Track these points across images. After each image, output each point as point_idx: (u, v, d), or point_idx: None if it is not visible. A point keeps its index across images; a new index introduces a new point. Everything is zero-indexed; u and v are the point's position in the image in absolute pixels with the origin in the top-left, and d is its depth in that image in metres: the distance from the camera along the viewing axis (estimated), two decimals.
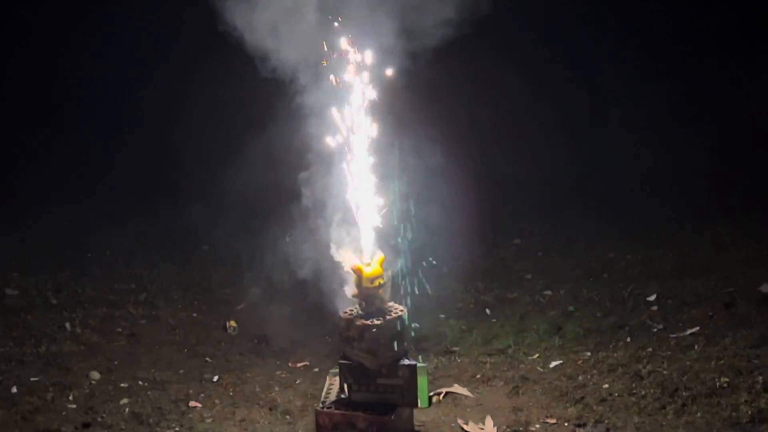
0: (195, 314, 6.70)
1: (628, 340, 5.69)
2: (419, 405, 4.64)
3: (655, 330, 5.80)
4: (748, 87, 11.26)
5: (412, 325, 5.38)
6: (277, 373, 5.71)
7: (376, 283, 4.45)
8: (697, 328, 5.68)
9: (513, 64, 11.79)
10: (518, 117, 11.83)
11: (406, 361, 4.46)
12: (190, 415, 4.99)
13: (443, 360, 5.73)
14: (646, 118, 11.78)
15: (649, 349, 5.43)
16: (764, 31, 11.37)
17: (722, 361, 5.04)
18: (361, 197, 4.66)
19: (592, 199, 9.31)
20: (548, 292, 6.75)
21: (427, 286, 6.40)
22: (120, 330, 6.29)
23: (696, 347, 5.34)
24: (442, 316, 6.44)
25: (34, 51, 12.76)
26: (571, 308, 6.36)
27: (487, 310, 6.56)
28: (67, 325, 6.30)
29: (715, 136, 10.98)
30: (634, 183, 9.69)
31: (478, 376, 5.39)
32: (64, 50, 12.52)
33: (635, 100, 12.03)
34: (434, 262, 7.11)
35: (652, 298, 6.33)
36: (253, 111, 5.41)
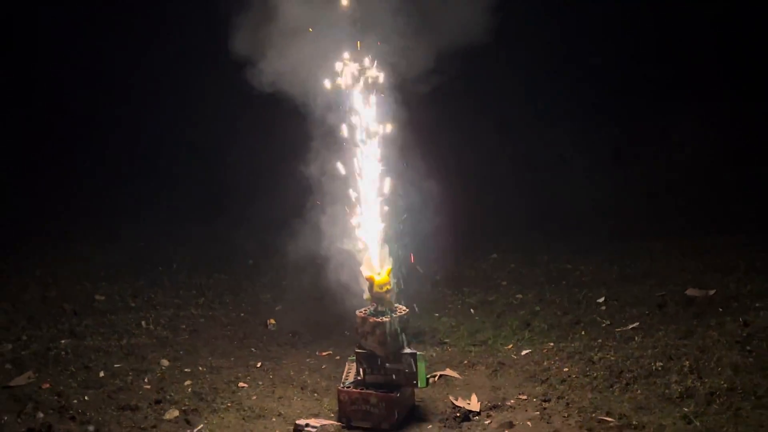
0: (242, 314, 6.64)
1: (583, 333, 5.66)
2: (419, 385, 4.59)
3: (604, 325, 5.78)
4: (670, 135, 11.30)
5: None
6: (307, 360, 5.68)
7: (385, 288, 4.48)
8: (637, 323, 5.67)
9: (490, 120, 11.86)
10: (493, 158, 11.84)
11: (408, 350, 4.48)
12: (239, 394, 4.98)
13: (437, 349, 5.68)
14: (593, 159, 11.77)
15: (599, 340, 5.41)
16: (684, 91, 11.40)
17: (657, 349, 5.02)
18: (373, 223, 4.67)
19: (552, 223, 9.28)
20: (519, 296, 6.69)
21: (425, 291, 6.45)
22: (184, 327, 6.26)
23: (636, 339, 5.33)
24: (436, 314, 6.38)
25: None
26: (537, 308, 6.32)
27: (472, 310, 6.49)
28: (143, 323, 6.28)
29: (646, 173, 11.00)
30: (585, 210, 9.62)
31: (465, 362, 5.35)
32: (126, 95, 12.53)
33: (586, 145, 12.03)
34: (433, 274, 7.18)
35: (601, 300, 6.30)
36: (289, 146, 5.36)
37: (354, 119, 4.67)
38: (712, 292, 6.04)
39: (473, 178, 11.33)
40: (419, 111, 5.44)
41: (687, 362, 4.70)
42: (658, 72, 11.55)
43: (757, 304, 5.61)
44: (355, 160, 4.69)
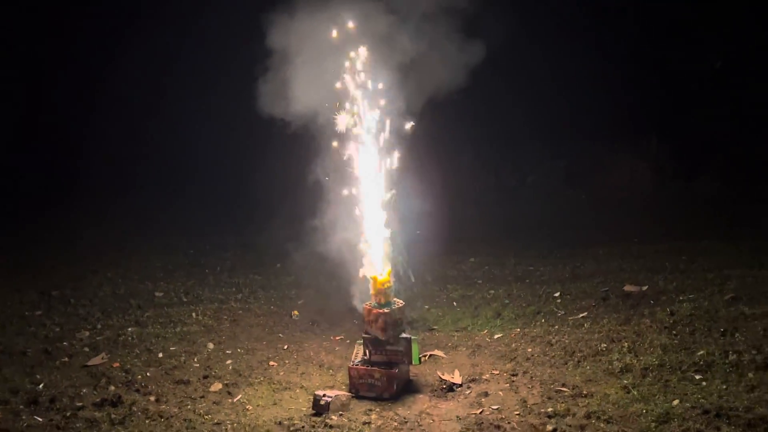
0: (272, 307, 6.52)
1: (543, 321, 5.56)
2: (413, 363, 4.52)
3: (559, 314, 5.67)
4: (612, 162, 11.31)
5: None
6: (324, 343, 5.58)
7: (386, 286, 4.41)
8: (586, 313, 5.59)
9: (468, 149, 11.87)
10: (471, 180, 11.87)
11: (405, 335, 4.40)
12: (270, 370, 4.90)
13: (427, 334, 5.60)
14: (550, 182, 11.78)
15: (556, 327, 5.32)
16: (624, 126, 11.40)
17: (602, 334, 4.96)
18: (376, 231, 4.62)
19: (518, 233, 9.19)
20: (492, 291, 6.56)
21: (417, 288, 6.38)
22: (226, 317, 6.14)
23: (585, 325, 5.25)
24: (426, 306, 6.29)
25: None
26: (506, 301, 6.20)
27: (454, 303, 6.39)
28: (193, 314, 6.17)
29: (592, 192, 11.00)
30: (544, 222, 9.59)
31: (449, 344, 5.27)
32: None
33: (544, 171, 12.03)
34: (423, 274, 7.10)
35: (557, 294, 6.19)
36: (304, 168, 5.28)
37: (361, 149, 4.60)
38: (645, 287, 5.97)
39: (455, 196, 11.31)
40: (413, 142, 5.40)
41: (626, 344, 4.65)
42: (603, 110, 11.56)
43: (680, 297, 5.56)
44: (361, 185, 4.64)
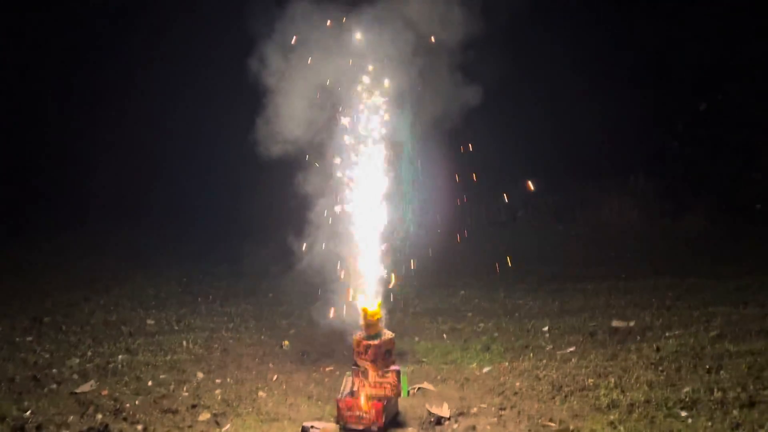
0: (263, 337, 6.45)
1: (531, 355, 5.49)
2: (402, 395, 4.46)
3: (547, 349, 5.62)
4: (601, 201, 11.43)
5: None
6: (314, 374, 5.48)
7: (376, 318, 4.36)
8: (573, 348, 5.55)
9: (460, 184, 11.92)
10: (463, 216, 11.87)
11: (394, 367, 4.34)
12: (258, 401, 4.80)
13: (416, 366, 5.51)
14: (540, 219, 11.86)
15: (544, 361, 5.26)
16: (612, 167, 11.57)
17: (589, 369, 4.95)
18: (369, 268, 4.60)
19: (507, 267, 8.98)
20: (482, 324, 6.51)
21: (407, 320, 6.37)
22: (216, 346, 6.07)
23: (573, 360, 5.23)
24: (416, 338, 6.20)
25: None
26: (495, 335, 6.14)
27: (444, 335, 6.31)
28: (184, 343, 6.10)
29: (581, 230, 11.09)
30: (533, 258, 9.55)
31: (438, 377, 5.18)
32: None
33: (533, 206, 12.14)
34: (414, 306, 7.10)
35: (546, 329, 6.15)
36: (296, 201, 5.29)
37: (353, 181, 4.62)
38: (632, 323, 5.98)
39: (445, 231, 11.35)
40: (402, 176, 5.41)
41: (612, 379, 4.63)
42: (592, 148, 11.74)
43: (666, 334, 5.58)
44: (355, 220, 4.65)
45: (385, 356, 4.29)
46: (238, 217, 10.98)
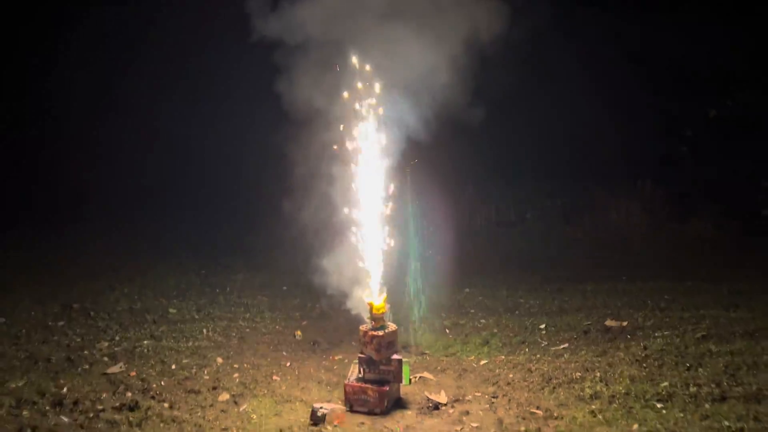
0: (278, 327, 6.83)
1: (527, 350, 5.84)
2: (403, 383, 4.86)
3: (542, 345, 5.96)
4: (607, 205, 11.72)
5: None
6: (323, 362, 5.88)
7: (381, 311, 4.78)
8: (567, 344, 5.90)
9: (469, 185, 12.34)
10: (472, 216, 12.30)
11: (397, 357, 4.75)
12: (273, 384, 5.22)
13: (419, 358, 5.89)
14: (547, 220, 12.19)
15: (538, 356, 5.62)
16: (620, 170, 11.86)
17: (578, 363, 5.28)
18: (376, 264, 5.01)
19: (512, 267, 9.51)
20: (483, 321, 6.84)
21: (413, 315, 6.76)
22: (234, 334, 6.46)
23: (565, 356, 5.56)
24: (420, 332, 6.54)
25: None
26: (495, 330, 6.47)
27: (447, 330, 6.66)
28: (204, 330, 6.51)
29: (587, 233, 11.37)
30: (538, 258, 9.92)
31: (438, 368, 5.56)
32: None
33: (542, 209, 12.47)
34: (419, 302, 7.45)
35: (543, 326, 6.47)
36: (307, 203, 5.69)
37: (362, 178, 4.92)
38: (624, 323, 6.30)
39: (455, 230, 11.74)
40: (413, 178, 5.80)
41: (598, 373, 4.98)
42: (602, 153, 12.02)
43: (656, 334, 5.90)
44: (362, 219, 5.01)
45: (388, 346, 4.72)
46: (257, 214, 11.40)
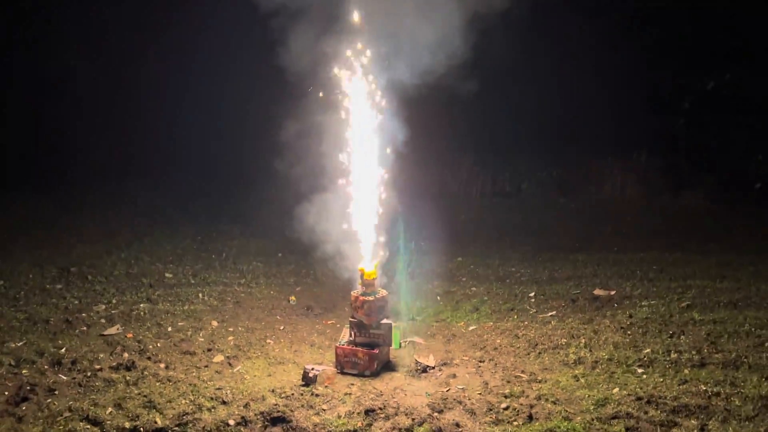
0: (272, 292, 6.94)
1: (515, 317, 5.96)
2: (393, 347, 5.00)
3: (531, 312, 6.08)
4: (601, 177, 11.79)
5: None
6: (317, 326, 6.02)
7: (372, 277, 4.88)
8: (554, 312, 6.02)
9: (470, 155, 12.39)
10: (468, 186, 12.38)
11: (387, 321, 4.87)
12: (266, 347, 5.36)
13: (410, 323, 6.00)
14: (543, 191, 12.30)
15: (525, 323, 5.74)
16: (614, 144, 11.90)
17: (564, 330, 5.40)
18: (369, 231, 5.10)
19: (506, 237, 9.59)
20: (473, 289, 6.95)
21: (405, 283, 6.88)
22: (229, 299, 6.57)
23: (552, 323, 5.68)
24: (412, 299, 6.65)
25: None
26: (485, 298, 6.59)
27: (438, 297, 6.78)
28: (200, 295, 6.62)
29: (580, 204, 11.49)
30: (532, 228, 10.02)
31: (428, 333, 5.69)
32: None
33: (537, 179, 12.56)
34: (412, 270, 7.59)
35: (532, 294, 6.58)
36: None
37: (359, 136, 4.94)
38: (613, 292, 6.40)
39: (451, 199, 11.88)
40: (408, 147, 5.82)
41: (583, 340, 5.11)
42: (598, 124, 12.06)
43: (642, 303, 6.01)
44: (356, 184, 5.08)
45: (378, 311, 4.85)
46: (254, 182, 11.45)
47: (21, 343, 5.20)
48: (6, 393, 4.34)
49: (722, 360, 4.59)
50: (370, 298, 4.83)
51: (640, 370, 4.57)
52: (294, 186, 5.73)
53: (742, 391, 4.11)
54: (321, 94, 4.93)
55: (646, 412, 3.94)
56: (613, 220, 10.61)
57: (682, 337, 5.10)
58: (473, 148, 12.58)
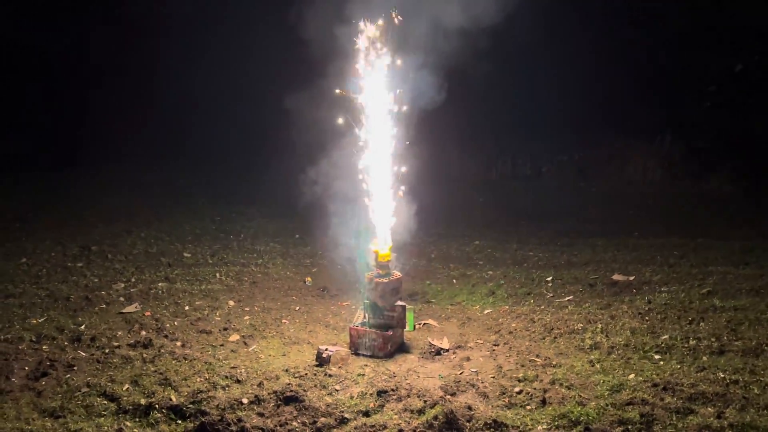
0: (289, 273, 6.97)
1: (531, 301, 5.91)
2: (408, 329, 5.01)
3: (548, 297, 6.02)
4: (623, 160, 11.60)
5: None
6: (331, 307, 6.04)
7: (386, 259, 4.89)
8: (571, 297, 5.96)
9: (489, 139, 12.27)
10: (488, 169, 12.28)
11: (401, 303, 4.86)
12: (282, 327, 5.40)
13: (425, 305, 6.01)
14: (564, 174, 12.14)
15: (542, 307, 5.69)
16: (637, 128, 11.67)
17: (581, 315, 5.33)
18: (383, 214, 5.06)
19: (525, 220, 9.46)
20: (490, 272, 6.90)
21: (422, 265, 6.84)
22: (246, 279, 6.62)
23: (568, 308, 5.62)
24: (428, 282, 6.69)
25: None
26: (501, 282, 6.53)
27: (454, 280, 6.75)
28: (217, 275, 6.69)
29: (602, 187, 11.33)
30: (551, 212, 9.88)
31: (443, 315, 5.68)
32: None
33: (559, 163, 12.40)
34: (429, 252, 7.55)
35: (549, 279, 6.52)
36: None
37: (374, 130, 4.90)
38: (631, 278, 6.32)
39: (470, 182, 11.79)
40: (428, 129, 5.75)
41: (600, 325, 5.05)
42: (620, 106, 11.83)
43: (662, 289, 5.93)
44: (370, 165, 5.01)
45: (392, 293, 4.84)
46: (272, 163, 11.47)
47: (42, 320, 5.30)
48: (26, 368, 4.43)
49: (742, 347, 4.51)
50: (384, 280, 4.82)
51: (657, 357, 4.51)
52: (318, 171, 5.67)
53: (761, 379, 4.03)
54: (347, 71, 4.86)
55: (662, 399, 3.88)
56: (633, 204, 10.44)
57: (702, 323, 5.01)
58: (493, 131, 12.44)
